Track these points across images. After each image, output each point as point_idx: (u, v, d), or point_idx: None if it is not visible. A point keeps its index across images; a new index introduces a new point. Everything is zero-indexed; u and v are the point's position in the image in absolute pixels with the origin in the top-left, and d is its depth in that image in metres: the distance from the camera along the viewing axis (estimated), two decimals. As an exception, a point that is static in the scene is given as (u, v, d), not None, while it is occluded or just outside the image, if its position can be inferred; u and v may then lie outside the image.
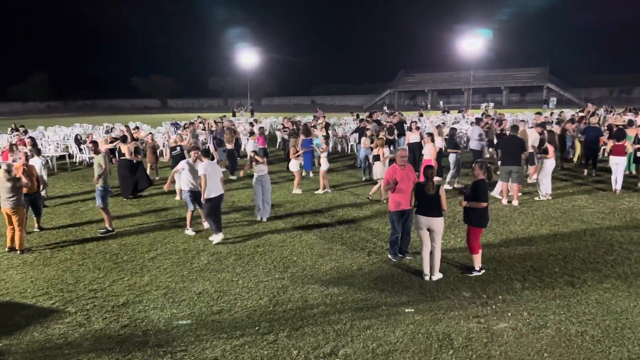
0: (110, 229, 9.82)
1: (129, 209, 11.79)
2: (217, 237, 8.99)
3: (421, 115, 32.76)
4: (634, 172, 13.46)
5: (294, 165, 13.18)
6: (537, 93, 68.14)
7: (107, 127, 27.94)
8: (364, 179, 14.51)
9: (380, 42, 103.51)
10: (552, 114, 26.79)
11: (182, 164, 9.45)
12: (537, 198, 11.48)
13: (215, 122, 22.52)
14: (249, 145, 15.01)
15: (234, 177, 15.34)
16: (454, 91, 74.21)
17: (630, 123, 15.19)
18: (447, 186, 12.77)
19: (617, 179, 11.77)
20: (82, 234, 9.85)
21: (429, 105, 60.64)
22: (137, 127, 20.76)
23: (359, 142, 16.31)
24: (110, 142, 15.33)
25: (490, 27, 62.80)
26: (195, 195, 9.33)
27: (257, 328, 5.78)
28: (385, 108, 46.80)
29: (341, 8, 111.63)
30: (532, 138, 12.33)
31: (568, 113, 25.65)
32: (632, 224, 9.35)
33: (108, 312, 6.35)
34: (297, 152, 13.55)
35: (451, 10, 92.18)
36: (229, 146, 15.86)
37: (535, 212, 10.38)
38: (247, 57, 62.61)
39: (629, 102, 49.26)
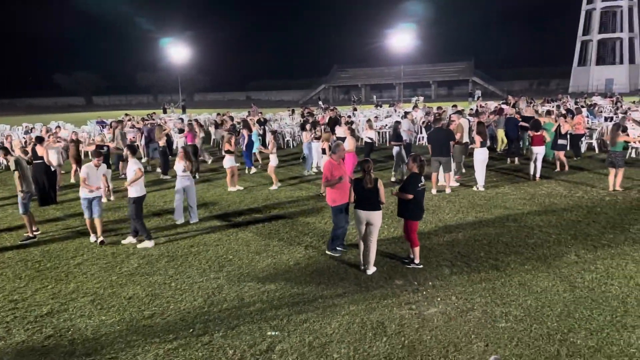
0: (31, 235, 9.24)
1: (52, 213, 11.14)
2: (148, 244, 8.71)
3: (355, 109, 33.29)
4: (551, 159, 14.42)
5: (228, 161, 12.99)
6: (464, 86, 71.17)
7: (26, 127, 26.18)
8: (306, 173, 14.55)
9: (314, 37, 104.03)
10: (478, 106, 28.03)
11: (84, 171, 8.72)
12: (474, 188, 11.85)
13: (143, 119, 21.71)
14: (181, 143, 14.65)
15: (167, 177, 14.86)
16: (386, 86, 76.00)
17: (549, 112, 16.27)
18: (392, 178, 13.11)
19: (536, 167, 12.48)
20: (0, 242, 9.20)
21: (362, 99, 61.70)
22: (59, 127, 19.63)
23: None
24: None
25: (418, 23, 64.80)
26: (90, 201, 8.77)
27: (191, 330, 5.66)
28: (320, 103, 47.09)
29: (275, 2, 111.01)
30: (467, 129, 12.99)
31: (491, 105, 26.96)
32: (550, 209, 10.00)
33: (30, 323, 5.99)
34: (230, 148, 13.19)
35: (381, 6, 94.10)
36: (160, 143, 15.34)
37: (462, 201, 10.86)
38: (178, 52, 60.88)
39: (546, 93, 52.59)
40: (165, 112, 42.25)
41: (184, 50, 61.45)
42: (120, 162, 14.97)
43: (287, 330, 5.54)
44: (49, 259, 8.19)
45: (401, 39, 58.89)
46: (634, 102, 24.52)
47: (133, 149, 9.08)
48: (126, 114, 29.58)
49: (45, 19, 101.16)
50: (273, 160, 13.04)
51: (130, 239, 8.84)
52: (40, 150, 11.79)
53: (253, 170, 15.58)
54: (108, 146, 12.99)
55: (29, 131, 23.33)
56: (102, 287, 6.98)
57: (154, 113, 33.22)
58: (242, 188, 12.95)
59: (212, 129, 23.63)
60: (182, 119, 23.40)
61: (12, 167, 9.09)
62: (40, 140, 12.23)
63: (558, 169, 13.64)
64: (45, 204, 11.85)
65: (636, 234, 8.22)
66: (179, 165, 9.86)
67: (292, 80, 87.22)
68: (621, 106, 25.15)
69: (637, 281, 6.42)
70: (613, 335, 5.16)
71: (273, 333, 5.52)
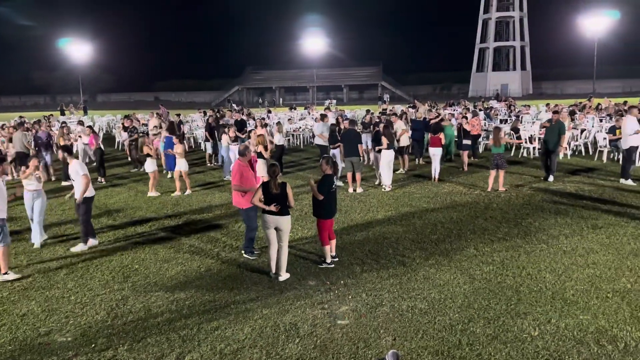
0: None
1: None
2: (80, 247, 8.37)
3: (269, 112, 33.21)
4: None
5: (150, 165, 12.18)
6: (374, 90, 73.58)
7: None
8: (225, 177, 14.14)
9: (227, 37, 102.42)
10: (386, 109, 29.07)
11: None
12: (383, 189, 12.18)
13: (38, 122, 20.05)
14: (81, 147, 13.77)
15: (68, 183, 13.85)
16: (299, 88, 76.62)
17: (452, 116, 17.28)
18: (339, 182, 12.53)
19: (435, 168, 13.14)
20: None
21: (275, 102, 61.78)
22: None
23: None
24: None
25: (331, 28, 66.13)
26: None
27: (93, 345, 5.31)
28: (233, 105, 46.43)
29: (186, 2, 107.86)
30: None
31: (398, 108, 28.11)
32: (451, 206, 10.61)
33: None
34: (150, 151, 12.39)
35: (294, 10, 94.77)
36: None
37: (372, 200, 11.21)
38: (80, 50, 57.09)
39: (449, 97, 55.81)
40: (63, 114, 39.38)
41: (86, 49, 57.75)
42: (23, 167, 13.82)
43: (198, 339, 5.38)
44: None
45: (314, 43, 59.72)
46: (524, 106, 26.73)
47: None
48: (20, 116, 27.25)
49: None
50: (182, 165, 12.37)
51: (81, 246, 8.37)
52: None
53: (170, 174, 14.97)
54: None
55: None
56: (-11, 305, 6.36)
57: (51, 115, 30.92)
58: (159, 194, 12.38)
59: (117, 132, 22.47)
60: (80, 122, 21.92)
61: None
62: None
63: (465, 168, 14.46)
64: None
65: (527, 227, 8.95)
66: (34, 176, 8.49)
67: (204, 81, 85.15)
68: (514, 109, 27.31)
69: (529, 271, 6.98)
70: (508, 323, 5.56)
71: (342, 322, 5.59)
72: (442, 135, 13.18)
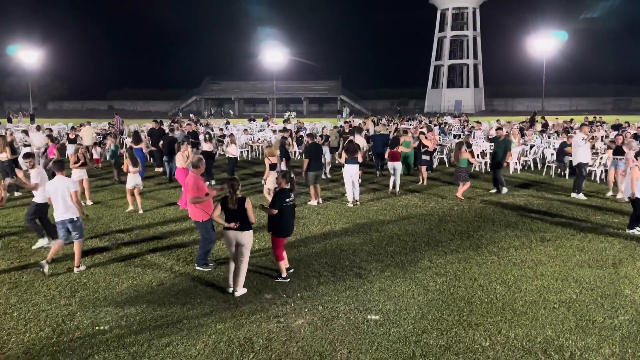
0: None
1: None
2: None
3: (228, 123, 32.96)
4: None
5: (133, 180, 11.34)
6: (333, 104, 74.30)
7: None
8: None
9: (184, 46, 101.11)
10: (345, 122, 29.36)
11: None
12: (348, 204, 11.98)
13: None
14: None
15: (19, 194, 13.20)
16: (259, 100, 76.47)
17: (405, 132, 17.57)
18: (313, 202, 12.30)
19: (395, 182, 13.34)
20: None
21: (231, 113, 61.46)
22: None
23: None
24: None
25: (290, 40, 66.50)
26: None
27: (35, 364, 5.06)
28: (191, 115, 45.74)
29: (139, 8, 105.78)
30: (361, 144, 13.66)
31: (356, 122, 28.43)
32: (407, 218, 10.78)
33: None
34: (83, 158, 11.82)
35: (253, 21, 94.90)
36: (2, 157, 13.58)
37: (330, 213, 11.25)
38: (29, 56, 55.04)
39: (405, 112, 57.02)
40: (10, 121, 37.73)
41: (36, 55, 55.74)
42: None
43: (148, 356, 5.21)
44: None
45: (274, 55, 59.88)
46: (477, 122, 27.63)
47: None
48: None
49: None
50: (136, 180, 11.36)
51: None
52: None
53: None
54: None
55: None
56: None
57: (-2, 122, 29.57)
58: (91, 202, 11.97)
59: (66, 142, 21.65)
60: (24, 131, 21.00)
61: None
62: None
63: (422, 182, 14.72)
64: None
65: (479, 239, 9.20)
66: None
67: (160, 90, 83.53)
68: (467, 125, 28.18)
69: (480, 282, 7.16)
70: (460, 334, 5.68)
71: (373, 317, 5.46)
72: (401, 148, 13.38)
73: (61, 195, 7.51)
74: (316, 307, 6.36)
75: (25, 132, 20.35)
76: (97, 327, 5.85)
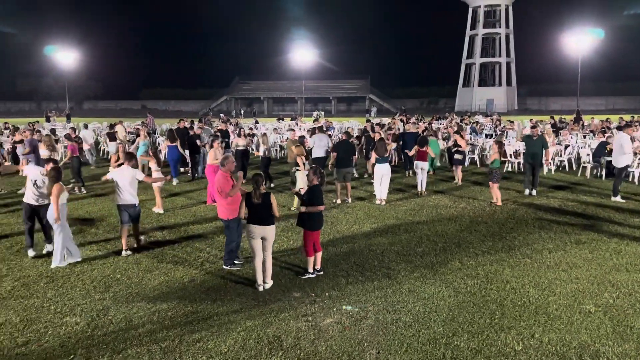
0: None
1: None
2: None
3: (257, 122, 33.25)
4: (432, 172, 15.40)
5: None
6: (361, 103, 74.13)
7: None
8: None
9: (215, 46, 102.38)
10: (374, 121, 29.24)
11: None
12: (376, 202, 12.06)
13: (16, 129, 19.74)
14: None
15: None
16: (288, 99, 76.95)
17: (436, 134, 17.40)
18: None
19: (421, 181, 13.16)
20: None
21: (241, 111, 61.98)
22: None
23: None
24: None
25: (319, 39, 66.59)
26: None
27: (72, 356, 5.20)
28: (221, 115, 46.33)
29: (174, 8, 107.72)
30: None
31: (386, 121, 28.29)
32: (437, 218, 10.65)
33: None
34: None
35: (283, 20, 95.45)
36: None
37: (359, 212, 11.21)
38: (66, 57, 56.75)
39: (435, 111, 56.41)
40: (48, 120, 38.99)
41: (72, 56, 57.42)
42: None
43: (179, 351, 5.29)
44: None
45: (303, 55, 60.09)
46: (509, 121, 27.08)
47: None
48: (5, 122, 26.93)
49: None
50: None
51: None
52: None
53: (175, 181, 14.91)
54: None
55: None
56: (-35, 315, 6.21)
57: (37, 122, 30.60)
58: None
59: (103, 141, 22.25)
60: (74, 128, 21.72)
61: None
62: None
63: (457, 182, 14.53)
64: None
65: (512, 241, 9.01)
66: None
67: (191, 90, 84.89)
68: (500, 124, 27.67)
69: (513, 285, 7.01)
70: (492, 337, 5.57)
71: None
72: (428, 149, 13.22)
73: (128, 182, 8.25)
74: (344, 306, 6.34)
75: (73, 129, 20.95)
76: (130, 322, 5.98)
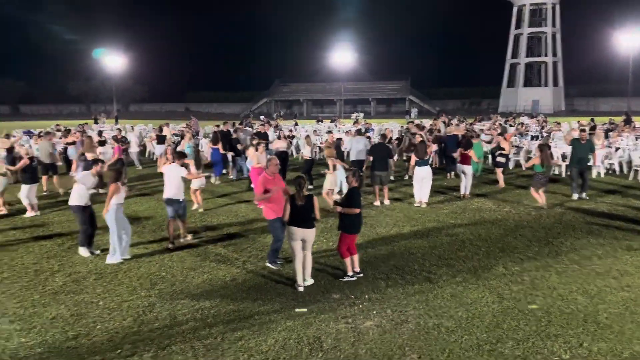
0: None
1: (-33, 229, 10.33)
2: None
3: (296, 124, 33.48)
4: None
5: (197, 181, 11.50)
6: (401, 104, 73.37)
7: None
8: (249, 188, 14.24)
9: (256, 49, 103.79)
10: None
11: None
12: (415, 204, 11.95)
13: (68, 131, 20.51)
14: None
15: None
16: (327, 101, 77.00)
17: (478, 136, 17.01)
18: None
19: (465, 185, 12.85)
20: None
21: (282, 113, 62.39)
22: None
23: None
24: None
25: (359, 42, 66.44)
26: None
27: (119, 351, 5.39)
28: (262, 117, 46.95)
29: (216, 13, 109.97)
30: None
31: (427, 123, 27.91)
32: (480, 222, 10.42)
33: (-63, 349, 5.48)
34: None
35: (323, 22, 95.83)
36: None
37: (398, 215, 11.11)
38: (114, 61, 58.86)
39: (478, 112, 55.19)
40: (97, 122, 40.53)
41: (119, 60, 59.51)
42: (45, 177, 14.17)
43: (222, 349, 5.39)
44: (-38, 278, 7.57)
45: (342, 56, 60.10)
46: (556, 122, 26.22)
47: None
48: (57, 124, 28.17)
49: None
50: (195, 182, 11.46)
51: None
52: None
53: (217, 181, 15.32)
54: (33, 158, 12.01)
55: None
56: (22, 307, 6.53)
57: (86, 123, 31.83)
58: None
59: (148, 142, 22.92)
60: (120, 129, 22.52)
61: None
62: None
63: (499, 185, 14.20)
64: None
65: (559, 247, 8.72)
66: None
67: (233, 92, 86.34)
68: (546, 126, 26.82)
69: (560, 292, 6.78)
70: (538, 345, 5.41)
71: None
72: (472, 152, 12.87)
73: (176, 179, 8.78)
74: (385, 309, 6.30)
75: (120, 130, 21.70)
76: (174, 319, 6.14)
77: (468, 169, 12.76)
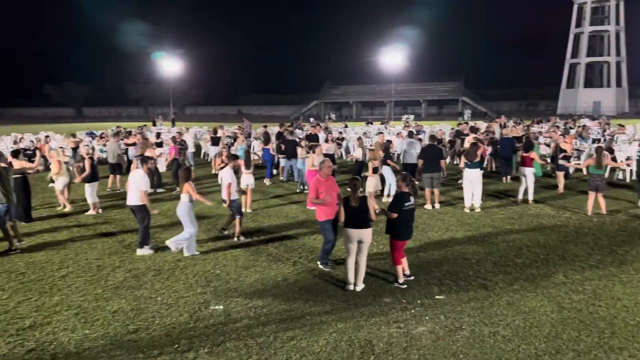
0: (13, 247, 9.04)
1: (38, 225, 10.98)
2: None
3: (346, 126, 33.48)
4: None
5: (245, 180, 11.66)
6: (454, 106, 71.87)
7: (15, 137, 25.96)
8: (298, 190, 14.42)
9: (306, 52, 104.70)
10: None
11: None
12: (465, 210, 11.62)
13: (129, 133, 21.38)
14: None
15: (162, 190, 14.70)
16: (377, 103, 76.57)
17: (536, 138, 16.45)
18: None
19: (527, 190, 12.33)
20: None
21: (333, 116, 62.34)
22: (47, 137, 19.44)
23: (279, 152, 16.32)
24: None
25: (410, 43, 65.59)
26: None
27: (176, 346, 5.56)
28: (312, 119, 47.28)
29: (267, 17, 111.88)
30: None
31: (481, 125, 27.20)
32: (538, 228, 10.04)
33: (12, 335, 5.85)
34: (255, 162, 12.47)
35: (373, 23, 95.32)
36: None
37: (451, 219, 10.88)
38: (170, 65, 60.99)
39: (535, 114, 53.27)
40: (154, 124, 42.10)
41: (176, 64, 61.58)
42: (112, 176, 14.86)
43: (274, 348, 5.47)
44: (33, 270, 8.05)
45: (393, 58, 59.57)
46: (619, 125, 24.86)
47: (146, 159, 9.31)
48: (118, 126, 29.46)
49: (36, 30, 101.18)
50: (244, 180, 11.61)
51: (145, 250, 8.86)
52: (16, 164, 10.87)
53: (268, 182, 15.70)
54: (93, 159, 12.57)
55: (18, 141, 23.09)
56: (86, 300, 6.86)
57: (145, 125, 33.11)
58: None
59: (203, 143, 23.59)
60: (179, 132, 23.25)
61: None
62: (16, 153, 11.39)
63: (559, 189, 13.68)
64: (26, 219, 11.15)
65: (623, 255, 8.27)
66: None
67: (284, 95, 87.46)
68: (608, 128, 25.53)
69: (625, 303, 6.44)
70: (600, 357, 5.16)
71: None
72: (534, 154, 12.33)
73: (231, 181, 9.29)
74: (437, 315, 6.18)
75: (179, 133, 22.44)
76: (228, 316, 6.28)
77: (529, 172, 12.23)
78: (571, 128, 23.34)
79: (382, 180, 12.84)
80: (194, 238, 8.76)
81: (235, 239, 9.49)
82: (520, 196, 12.42)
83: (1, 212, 8.89)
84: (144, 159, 9.20)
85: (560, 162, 13.81)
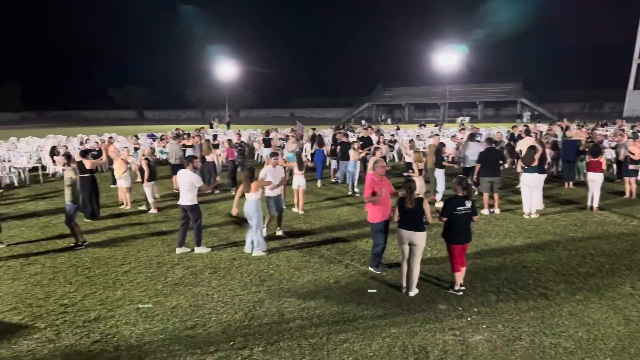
0: (79, 243, 9.56)
1: (102, 222, 11.55)
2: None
3: (398, 128, 33.17)
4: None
5: (297, 181, 11.97)
6: (512, 108, 69.68)
7: (81, 138, 27.47)
8: (349, 192, 14.44)
9: (358, 54, 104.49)
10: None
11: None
12: (524, 215, 11.22)
13: (188, 134, 22.08)
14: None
15: (218, 192, 15.11)
16: (430, 105, 75.39)
17: (600, 142, 15.61)
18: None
19: (593, 196, 11.74)
20: (53, 248, 9.59)
21: (389, 120, 61.65)
22: (111, 137, 20.38)
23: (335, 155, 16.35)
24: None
25: (466, 43, 64.11)
26: None
27: (231, 343, 5.69)
28: (363, 122, 47.17)
29: (320, 21, 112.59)
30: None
31: (542, 127, 26.17)
32: (603, 236, 9.55)
33: (79, 327, 6.18)
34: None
35: (427, 25, 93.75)
36: (208, 159, 15.58)
37: (510, 225, 10.52)
38: (226, 69, 62.63)
39: (600, 116, 50.70)
40: (211, 127, 43.32)
41: (232, 68, 63.17)
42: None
43: (327, 349, 5.48)
44: (98, 265, 8.47)
45: (447, 59, 58.38)
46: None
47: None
48: (177, 128, 30.52)
49: (100, 33, 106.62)
50: (295, 181, 11.93)
51: (202, 249, 9.13)
52: (87, 163, 11.53)
53: (320, 183, 15.90)
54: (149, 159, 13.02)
55: (84, 142, 24.38)
56: (147, 295, 7.15)
57: (202, 128, 34.11)
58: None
59: (257, 145, 24.03)
60: (214, 135, 23.89)
61: (73, 176, 9.46)
62: (85, 153, 12.01)
63: (627, 195, 12.97)
64: (92, 217, 11.77)
65: (699, 267, 7.72)
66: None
67: (335, 98, 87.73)
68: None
69: (701, 318, 6.01)
70: (674, 376, 4.84)
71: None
72: (602, 159, 11.69)
73: (273, 179, 9.49)
74: (495, 324, 6.00)
75: (238, 135, 23.03)
76: (282, 316, 6.36)
77: (597, 177, 11.56)
78: (639, 131, 21.99)
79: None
80: (259, 235, 8.88)
81: (277, 231, 10.04)
82: (589, 202, 11.82)
83: (70, 210, 9.43)
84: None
85: (631, 167, 13.05)
